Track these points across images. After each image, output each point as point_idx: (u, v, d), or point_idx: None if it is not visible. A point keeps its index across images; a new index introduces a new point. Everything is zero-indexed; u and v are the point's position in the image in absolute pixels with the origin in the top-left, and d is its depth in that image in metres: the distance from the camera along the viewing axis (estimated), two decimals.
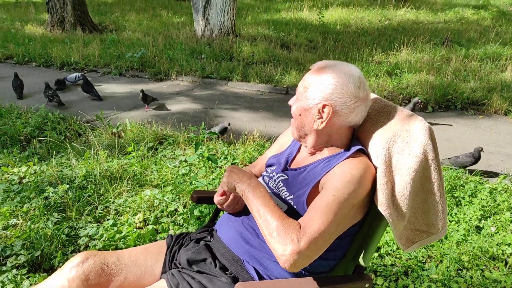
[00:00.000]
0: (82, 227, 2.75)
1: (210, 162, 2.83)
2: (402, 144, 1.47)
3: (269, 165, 1.81)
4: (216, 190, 2.85)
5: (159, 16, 10.35)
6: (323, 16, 9.08)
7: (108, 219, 2.86)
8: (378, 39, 7.79)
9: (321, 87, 1.50)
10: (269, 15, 10.21)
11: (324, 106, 1.50)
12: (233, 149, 3.97)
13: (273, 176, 1.71)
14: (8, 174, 3.40)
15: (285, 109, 5.36)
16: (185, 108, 5.38)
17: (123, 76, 6.67)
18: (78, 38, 7.98)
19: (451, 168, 3.59)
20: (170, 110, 5.24)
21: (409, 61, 6.40)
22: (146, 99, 5.17)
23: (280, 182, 1.65)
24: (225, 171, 1.59)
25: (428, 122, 1.56)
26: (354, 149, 1.53)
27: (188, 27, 8.77)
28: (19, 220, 2.75)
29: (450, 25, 8.79)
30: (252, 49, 7.14)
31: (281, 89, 5.98)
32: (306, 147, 1.65)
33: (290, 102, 1.64)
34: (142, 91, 5.13)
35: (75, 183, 3.21)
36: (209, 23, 7.86)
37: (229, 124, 4.29)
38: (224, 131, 4.24)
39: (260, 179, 1.80)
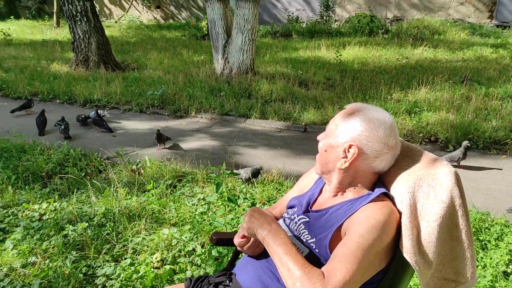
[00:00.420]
0: (99, 266, 2.73)
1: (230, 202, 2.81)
2: (428, 189, 1.44)
3: (290, 207, 1.79)
4: (235, 230, 2.82)
5: (179, 55, 10.62)
6: (340, 55, 9.19)
7: (125, 258, 2.83)
8: (396, 77, 7.82)
9: (350, 127, 1.51)
10: (287, 54, 10.38)
11: (350, 146, 1.50)
12: (252, 187, 3.95)
13: (294, 218, 1.69)
14: (29, 210, 3.44)
15: (303, 147, 5.36)
16: (204, 145, 5.42)
17: (144, 113, 6.79)
18: (101, 76, 8.21)
19: (476, 211, 3.49)
20: (186, 150, 5.27)
21: (428, 99, 6.38)
22: (161, 138, 5.20)
23: (302, 224, 1.63)
24: (245, 213, 1.57)
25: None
26: (377, 192, 1.51)
27: (207, 65, 8.96)
28: (38, 258, 2.75)
29: (469, 63, 8.78)
30: (271, 87, 7.23)
31: (299, 126, 5.99)
32: (329, 186, 1.63)
33: (318, 137, 1.65)
34: (158, 131, 5.17)
35: (94, 220, 3.21)
36: (228, 62, 8.02)
37: (261, 168, 4.17)
38: (257, 174, 4.09)
39: (280, 220, 1.77)
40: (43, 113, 5.87)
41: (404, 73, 8.15)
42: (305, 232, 1.58)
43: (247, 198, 3.56)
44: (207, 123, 6.33)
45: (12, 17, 18.27)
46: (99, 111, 6.30)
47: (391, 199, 1.51)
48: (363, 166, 1.52)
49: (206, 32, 13.19)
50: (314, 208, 1.67)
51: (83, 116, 6.11)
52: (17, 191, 3.82)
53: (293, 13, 14.16)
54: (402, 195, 1.47)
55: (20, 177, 4.07)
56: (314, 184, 1.80)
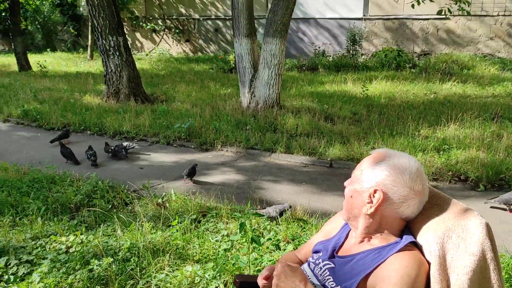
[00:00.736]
0: None
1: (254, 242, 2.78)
2: (457, 240, 1.41)
3: (315, 251, 1.78)
4: (259, 272, 2.78)
5: (207, 88, 10.83)
6: (367, 89, 9.19)
7: None
8: (424, 113, 7.73)
9: (376, 172, 1.51)
10: (313, 88, 10.45)
11: (375, 191, 1.50)
12: (276, 224, 3.91)
13: (319, 263, 1.67)
14: (57, 243, 3.49)
15: (329, 182, 5.31)
16: (229, 179, 5.44)
17: (171, 145, 6.89)
18: (131, 108, 8.42)
19: (510, 256, 3.35)
20: (211, 183, 5.29)
21: (457, 136, 6.26)
22: (193, 173, 5.23)
23: (326, 270, 1.61)
24: (276, 263, 1.56)
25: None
26: (406, 241, 1.48)
27: (234, 98, 9.09)
28: None
29: (500, 99, 8.63)
30: (296, 121, 7.26)
31: (325, 162, 5.96)
32: (355, 232, 1.62)
33: (345, 183, 1.66)
34: (195, 165, 5.20)
35: (119, 255, 3.24)
36: (254, 96, 8.12)
37: (290, 207, 4.13)
38: (282, 213, 4.05)
39: (305, 265, 1.76)
40: (63, 144, 6.07)
41: (432, 108, 8.07)
42: (329, 278, 1.56)
43: (270, 238, 3.53)
44: (232, 157, 6.37)
45: (48, 49, 19.12)
46: (124, 143, 6.45)
47: (419, 248, 1.49)
48: (389, 211, 1.51)
49: (233, 65, 13.45)
50: (340, 253, 1.66)
51: (112, 147, 6.26)
52: (46, 222, 3.90)
53: (319, 47, 14.32)
54: (430, 245, 1.44)
55: (49, 208, 4.16)
56: (340, 229, 1.79)
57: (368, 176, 1.53)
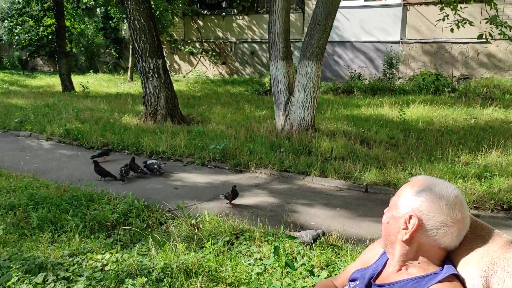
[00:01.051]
0: None
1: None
2: (503, 275, 1.35)
3: (352, 279, 1.74)
4: None
5: (242, 110, 10.95)
6: (404, 113, 9.03)
7: None
8: (464, 138, 7.51)
9: (412, 198, 1.49)
10: (348, 111, 10.37)
11: (410, 217, 1.46)
12: (309, 249, 3.85)
13: None
14: (93, 260, 3.55)
15: (364, 208, 5.20)
16: (262, 201, 5.42)
17: (205, 166, 6.96)
18: (168, 129, 8.60)
19: None
20: (244, 205, 5.28)
21: (500, 163, 6.03)
22: (234, 195, 5.22)
23: None
24: None
25: None
26: (446, 272, 1.43)
27: (269, 120, 9.13)
28: None
29: None
30: (331, 144, 7.19)
31: (360, 186, 5.85)
32: (392, 260, 1.58)
33: (384, 210, 1.63)
34: (234, 187, 5.20)
35: (152, 275, 3.25)
36: (289, 118, 8.13)
37: (323, 234, 4.05)
38: (316, 239, 3.95)
39: None
40: (97, 163, 6.23)
41: (472, 134, 7.83)
42: None
43: (304, 264, 3.46)
44: (266, 179, 6.36)
45: (91, 71, 19.91)
46: (158, 162, 6.61)
47: (461, 281, 1.43)
48: (426, 239, 1.47)
49: (268, 88, 13.57)
50: (377, 282, 1.62)
51: (140, 165, 6.41)
52: (83, 239, 3.98)
53: (355, 70, 14.27)
54: (474, 278, 1.39)
55: (87, 225, 4.25)
56: (378, 258, 1.75)
57: (404, 202, 1.50)
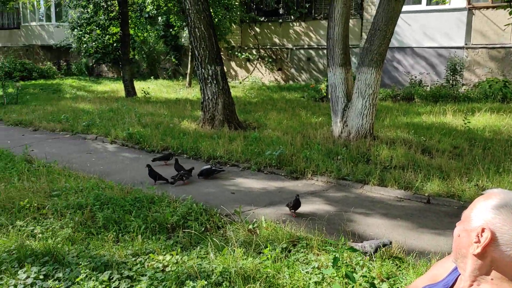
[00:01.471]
0: None
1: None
2: None
3: None
4: None
5: (298, 116, 10.91)
6: (469, 121, 8.61)
7: None
8: None
9: (485, 211, 1.43)
10: (408, 118, 10.04)
11: (483, 230, 1.40)
12: (369, 260, 3.74)
13: None
14: (154, 261, 3.66)
15: (426, 219, 5.00)
16: (319, 209, 5.35)
17: (261, 172, 6.99)
18: (225, 134, 8.73)
19: None
20: (300, 213, 5.23)
21: None
22: (297, 206, 5.13)
23: None
24: None
25: None
26: None
27: (325, 127, 9.03)
28: None
29: None
30: (391, 153, 6.99)
31: (422, 197, 5.63)
32: (463, 275, 1.50)
33: (456, 223, 1.57)
34: (297, 196, 5.12)
35: (211, 278, 3.30)
36: (347, 125, 8.00)
37: (390, 243, 3.91)
38: (377, 249, 3.81)
39: None
40: (151, 168, 6.39)
41: None
42: None
43: (365, 276, 3.38)
44: (322, 186, 6.28)
45: (152, 77, 20.67)
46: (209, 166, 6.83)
47: None
48: (500, 254, 1.40)
49: (324, 94, 13.44)
50: None
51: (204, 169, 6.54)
52: (145, 240, 4.12)
53: (415, 77, 13.81)
54: None
55: (148, 226, 4.40)
56: (449, 273, 1.67)
57: (477, 215, 1.44)
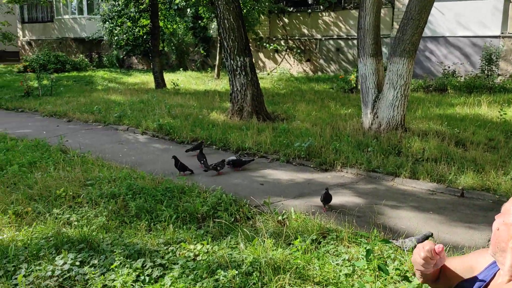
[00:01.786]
0: None
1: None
2: None
3: None
4: None
5: (327, 107, 10.81)
6: (505, 113, 8.34)
7: None
8: None
9: None
10: (441, 110, 9.80)
11: None
12: (401, 253, 3.70)
13: None
14: (185, 250, 3.72)
15: (459, 213, 4.89)
16: (348, 201, 5.31)
17: (290, 163, 6.97)
18: (253, 126, 8.74)
19: None
20: (330, 205, 5.19)
21: None
22: (329, 200, 5.08)
23: None
24: None
25: None
26: None
27: (355, 119, 8.92)
28: None
29: None
30: (423, 145, 6.85)
31: (455, 190, 5.50)
32: (502, 269, 1.46)
33: (495, 216, 1.52)
34: (327, 189, 5.08)
35: (242, 268, 3.33)
36: (377, 117, 7.88)
37: (431, 235, 3.87)
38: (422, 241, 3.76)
39: None
40: (177, 159, 6.39)
41: None
42: None
43: (398, 268, 3.34)
44: (352, 179, 6.22)
45: (181, 69, 20.86)
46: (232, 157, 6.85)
47: None
48: None
49: (354, 85, 13.26)
50: None
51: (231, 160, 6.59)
52: (176, 229, 4.19)
53: (449, 67, 13.45)
54: None
55: (179, 216, 4.47)
56: (486, 268, 1.63)
57: None
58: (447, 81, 12.59)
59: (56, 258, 3.56)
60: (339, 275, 3.31)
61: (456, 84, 12.32)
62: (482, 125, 8.02)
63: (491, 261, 1.62)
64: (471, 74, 12.91)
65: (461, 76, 13.13)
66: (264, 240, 3.79)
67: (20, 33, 27.75)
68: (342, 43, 17.16)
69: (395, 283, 3.19)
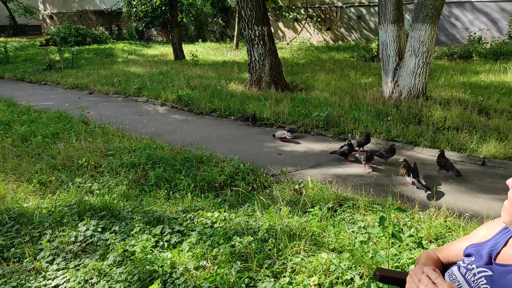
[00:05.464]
0: (260, 280, 2.86)
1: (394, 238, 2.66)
2: None
3: (467, 255, 1.63)
4: (400, 269, 2.66)
5: (347, 77, 10.64)
6: None
7: (284, 276, 2.91)
8: None
9: None
10: (465, 78, 9.54)
11: None
12: (418, 221, 3.69)
13: (473, 269, 1.52)
14: (203, 217, 3.79)
15: (480, 182, 4.82)
16: (366, 170, 5.28)
17: (308, 133, 6.95)
18: (271, 96, 8.69)
19: None
20: (348, 174, 5.19)
21: None
22: (370, 158, 5.19)
23: (483, 278, 1.46)
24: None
25: None
26: None
27: (375, 88, 8.77)
28: (208, 263, 3.02)
29: None
30: (444, 114, 6.71)
31: (477, 159, 5.41)
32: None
33: (508, 182, 1.48)
34: (372, 151, 5.08)
35: (258, 235, 3.39)
36: (398, 85, 7.72)
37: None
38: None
39: (454, 268, 1.62)
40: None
41: None
42: (486, 287, 1.42)
43: (412, 235, 3.34)
44: (371, 148, 6.16)
45: (200, 40, 20.74)
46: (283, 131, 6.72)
47: None
48: None
49: (375, 54, 12.98)
50: (498, 261, 1.49)
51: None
52: (194, 198, 4.26)
53: (475, 33, 12.99)
54: None
55: (197, 185, 4.54)
56: (496, 234, 1.60)
57: None
58: (472, 48, 12.20)
59: (79, 225, 3.69)
60: (354, 242, 3.34)
61: (481, 51, 11.93)
62: (507, 92, 7.79)
63: (500, 228, 1.60)
64: (497, 40, 12.46)
65: (487, 43, 12.68)
66: (281, 208, 3.83)
67: (41, 6, 27.88)
68: (363, 10, 16.70)
69: (410, 250, 3.20)
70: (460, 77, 9.57)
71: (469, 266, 1.54)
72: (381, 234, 3.39)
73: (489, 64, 10.83)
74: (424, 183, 4.64)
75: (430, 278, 1.46)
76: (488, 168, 5.23)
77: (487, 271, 1.46)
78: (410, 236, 3.34)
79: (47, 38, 20.89)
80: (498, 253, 1.52)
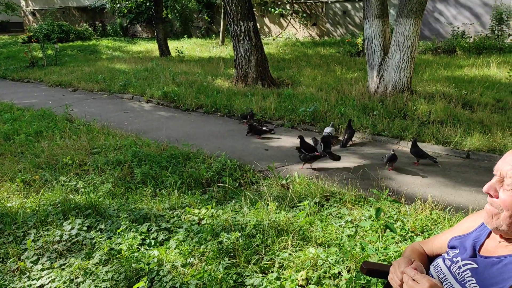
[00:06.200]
0: (248, 276, 2.85)
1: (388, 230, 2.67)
2: None
3: (451, 247, 1.64)
4: (386, 261, 2.68)
5: (333, 72, 10.67)
6: None
7: (272, 272, 2.91)
8: None
9: None
10: (449, 72, 9.63)
11: None
12: (404, 214, 3.72)
13: (457, 261, 1.54)
14: (190, 214, 3.78)
15: (465, 175, 4.88)
16: (353, 165, 5.31)
17: (295, 129, 6.96)
18: (258, 92, 8.68)
19: None
20: (334, 168, 5.21)
21: None
22: (395, 160, 5.11)
23: (468, 271, 1.47)
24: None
25: None
26: None
27: (361, 82, 8.81)
28: (195, 260, 3.00)
29: None
30: (429, 107, 6.77)
31: (461, 152, 5.48)
32: (500, 230, 1.45)
33: (483, 189, 1.49)
34: (393, 150, 5.11)
35: (245, 230, 3.38)
36: (383, 80, 7.77)
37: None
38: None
39: (439, 260, 1.63)
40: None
41: None
42: (472, 280, 1.43)
43: (404, 229, 3.36)
44: (357, 143, 6.20)
45: (185, 36, 20.59)
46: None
47: None
48: None
49: (361, 49, 13.04)
50: (483, 253, 1.50)
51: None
52: (181, 195, 4.24)
53: (458, 28, 13.12)
54: None
55: (184, 182, 4.51)
56: (479, 226, 1.62)
57: None
58: (456, 42, 12.33)
59: (64, 224, 3.64)
60: (341, 236, 3.35)
61: (465, 45, 12.06)
62: (490, 86, 7.89)
63: (482, 220, 1.61)
64: (480, 34, 12.61)
65: (471, 37, 12.84)
66: (268, 204, 3.83)
67: (23, 3, 27.39)
68: (349, 6, 16.75)
69: (397, 243, 3.22)
70: (444, 71, 9.67)
71: (454, 259, 1.56)
72: (369, 228, 3.41)
73: (473, 58, 10.96)
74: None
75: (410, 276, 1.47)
76: (473, 161, 5.30)
77: (472, 264, 1.47)
78: (402, 229, 3.37)
79: (30, 35, 20.55)
80: (481, 245, 1.53)
